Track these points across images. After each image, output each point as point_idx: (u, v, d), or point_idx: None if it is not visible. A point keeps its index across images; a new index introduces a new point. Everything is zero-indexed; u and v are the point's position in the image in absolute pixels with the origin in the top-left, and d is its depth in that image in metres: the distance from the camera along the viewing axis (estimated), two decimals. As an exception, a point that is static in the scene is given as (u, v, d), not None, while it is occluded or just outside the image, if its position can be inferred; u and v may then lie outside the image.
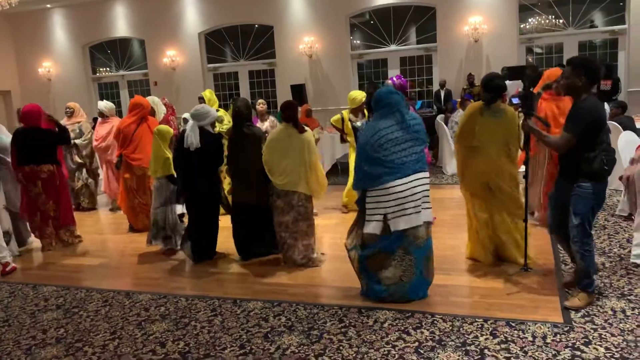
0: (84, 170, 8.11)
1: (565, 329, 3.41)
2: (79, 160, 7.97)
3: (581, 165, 3.56)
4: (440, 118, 10.34)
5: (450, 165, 8.97)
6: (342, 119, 6.83)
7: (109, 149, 7.64)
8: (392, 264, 3.94)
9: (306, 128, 5.10)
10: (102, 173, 8.24)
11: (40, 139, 5.97)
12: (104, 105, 7.96)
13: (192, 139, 5.07)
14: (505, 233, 4.53)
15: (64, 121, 7.96)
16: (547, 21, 12.54)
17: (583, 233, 3.63)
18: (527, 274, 4.34)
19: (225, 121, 7.04)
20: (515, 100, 4.15)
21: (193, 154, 5.11)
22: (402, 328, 3.60)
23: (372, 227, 3.91)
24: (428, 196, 3.95)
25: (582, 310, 3.64)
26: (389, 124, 3.90)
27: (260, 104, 7.40)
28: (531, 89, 4.46)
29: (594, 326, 3.42)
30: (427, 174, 3.98)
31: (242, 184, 5.15)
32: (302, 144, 4.94)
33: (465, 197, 4.74)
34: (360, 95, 6.84)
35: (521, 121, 4.02)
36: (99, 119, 8.05)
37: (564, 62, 9.54)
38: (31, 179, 5.95)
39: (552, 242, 5.10)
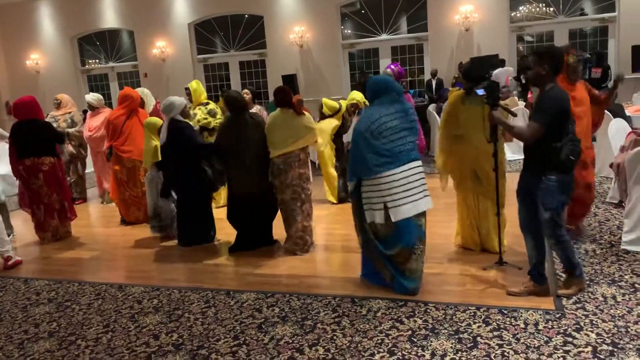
0: (78, 163, 8.05)
1: (557, 315, 3.44)
2: (73, 151, 7.89)
3: (547, 157, 3.47)
4: (432, 107, 10.35)
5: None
6: (339, 109, 6.73)
7: (104, 139, 7.56)
8: (412, 257, 3.91)
9: (305, 113, 5.16)
10: (92, 165, 8.19)
11: (40, 131, 5.95)
12: (92, 97, 7.91)
13: (162, 134, 5.32)
14: (489, 222, 4.53)
15: (52, 112, 7.89)
16: (538, 9, 12.55)
17: (554, 226, 3.56)
18: (520, 258, 4.36)
19: (219, 115, 6.93)
20: (480, 92, 4.04)
21: (167, 147, 5.30)
22: (396, 317, 3.61)
23: (377, 216, 3.89)
24: (425, 184, 3.95)
25: (574, 297, 3.67)
26: (387, 112, 3.88)
27: (245, 93, 7.32)
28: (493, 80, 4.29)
29: (585, 312, 3.45)
30: (420, 163, 3.98)
31: (240, 174, 5.10)
32: (302, 125, 5.01)
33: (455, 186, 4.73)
34: (361, 98, 6.72)
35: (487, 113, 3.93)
36: (89, 112, 7.98)
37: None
38: (32, 171, 5.94)
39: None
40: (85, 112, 9.97)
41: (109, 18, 15.27)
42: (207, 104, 6.97)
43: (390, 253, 3.94)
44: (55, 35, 15.84)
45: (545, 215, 3.55)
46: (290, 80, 12.92)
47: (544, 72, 3.51)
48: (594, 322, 3.33)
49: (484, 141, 4.22)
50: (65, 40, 15.81)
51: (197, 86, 7.13)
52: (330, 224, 5.80)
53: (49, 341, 3.73)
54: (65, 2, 15.40)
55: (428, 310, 3.66)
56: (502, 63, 11.41)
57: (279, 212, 5.21)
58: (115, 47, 15.93)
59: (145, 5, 14.64)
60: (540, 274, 3.74)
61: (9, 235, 6.19)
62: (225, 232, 5.56)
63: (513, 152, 8.74)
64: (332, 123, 6.66)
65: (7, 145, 6.27)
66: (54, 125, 7.12)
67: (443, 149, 4.66)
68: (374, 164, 3.80)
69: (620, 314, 3.40)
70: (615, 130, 6.30)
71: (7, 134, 6.44)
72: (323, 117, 6.80)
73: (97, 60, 16.32)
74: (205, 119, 6.75)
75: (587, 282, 3.85)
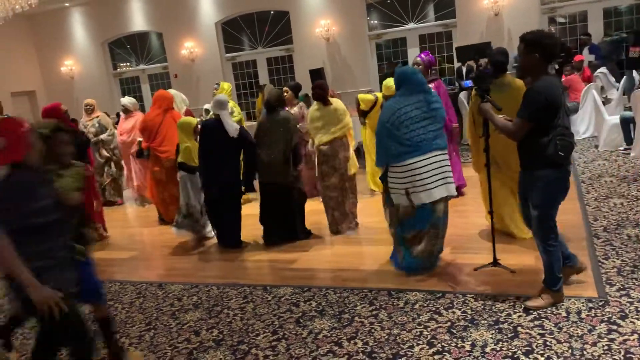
0: (112, 165, 8.23)
1: (600, 303, 3.36)
2: (107, 154, 8.08)
3: (535, 152, 3.26)
4: (462, 95, 10.18)
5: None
6: (376, 101, 6.69)
7: (134, 143, 7.73)
8: (424, 239, 4.13)
9: (332, 100, 5.62)
10: (125, 168, 8.35)
11: None
12: (128, 100, 8.09)
13: (229, 127, 5.29)
14: (509, 208, 4.50)
15: (84, 118, 8.09)
16: (570, -11, 12.18)
17: (542, 226, 3.34)
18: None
19: (235, 113, 7.13)
20: (468, 84, 3.90)
21: (216, 143, 5.27)
22: (434, 309, 3.59)
23: (401, 200, 4.08)
24: (448, 171, 4.04)
25: (618, 284, 3.57)
26: (408, 102, 4.00)
27: (285, 92, 7.41)
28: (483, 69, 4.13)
29: (630, 299, 3.36)
30: (445, 151, 4.06)
31: (268, 165, 5.33)
32: (334, 111, 5.48)
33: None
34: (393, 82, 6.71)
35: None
36: (122, 115, 8.16)
37: (589, 32, 9.23)
38: None
39: (582, 215, 5.01)
40: (118, 115, 10.21)
41: (138, 21, 15.52)
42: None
43: (406, 236, 4.16)
44: (87, 41, 16.19)
45: (534, 213, 3.35)
46: (318, 75, 12.89)
47: (535, 61, 3.26)
48: (639, 309, 3.23)
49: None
50: (97, 45, 16.15)
51: (227, 87, 7.42)
52: (364, 217, 5.78)
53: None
54: (95, 7, 15.72)
55: (467, 301, 3.62)
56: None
57: (308, 206, 5.57)
58: (145, 49, 16.19)
59: (173, 7, 14.82)
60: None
61: None
62: (255, 229, 5.59)
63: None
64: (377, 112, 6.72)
65: None
66: (84, 131, 7.29)
67: (476, 147, 4.60)
68: (396, 153, 3.99)
69: (667, 300, 3.30)
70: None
71: None
72: (362, 113, 6.81)
73: (128, 64, 16.62)
74: None
75: (631, 269, 3.74)
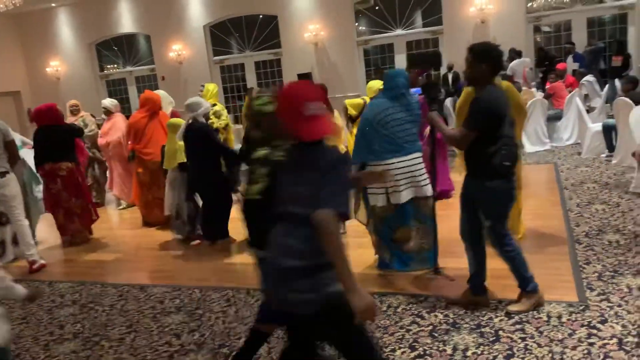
0: (95, 166, 8.15)
1: (581, 307, 3.39)
2: (89, 154, 7.99)
3: (482, 162, 3.29)
4: (448, 101, 10.25)
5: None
6: (365, 105, 6.72)
7: (109, 145, 7.63)
8: (412, 235, 4.16)
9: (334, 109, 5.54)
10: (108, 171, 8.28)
11: (57, 136, 6.05)
12: (110, 102, 8.01)
13: (179, 132, 5.41)
14: None
15: (69, 119, 8.01)
16: (555, -2, 12.35)
17: (497, 235, 3.38)
18: (541, 251, 4.30)
19: (223, 116, 7.11)
20: (417, 91, 3.94)
21: (187, 145, 5.38)
22: (416, 312, 3.60)
23: (379, 200, 4.09)
24: (424, 173, 4.09)
25: (598, 289, 3.61)
26: (394, 104, 4.02)
27: None
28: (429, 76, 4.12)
29: (609, 304, 3.39)
30: (421, 154, 4.10)
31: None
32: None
33: None
34: (377, 84, 6.75)
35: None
36: (104, 117, 8.10)
37: (572, 40, 9.34)
38: (51, 176, 6.06)
39: (564, 221, 5.06)
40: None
41: (126, 23, 15.45)
42: (214, 105, 7.11)
43: (393, 235, 4.17)
44: (74, 42, 16.08)
45: (486, 223, 3.39)
46: (306, 79, 12.93)
47: (482, 72, 3.29)
48: (619, 313, 3.27)
49: None
50: (83, 47, 16.04)
51: (212, 89, 7.32)
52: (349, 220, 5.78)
53: (73, 342, 3.79)
54: (83, 8, 15.62)
55: (449, 305, 3.63)
56: (519, 55, 11.27)
57: None
58: (133, 51, 16.11)
59: (161, 9, 14.77)
60: (478, 285, 3.59)
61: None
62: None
63: (532, 144, 8.63)
64: None
65: (32, 151, 6.42)
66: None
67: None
68: (380, 151, 3.99)
69: (646, 305, 3.34)
70: (637, 119, 6.18)
71: (31, 141, 6.57)
72: (350, 119, 6.82)
73: (115, 65, 16.52)
74: (209, 119, 6.85)
75: (611, 274, 3.78)
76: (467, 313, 3.49)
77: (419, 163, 4.07)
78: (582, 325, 3.18)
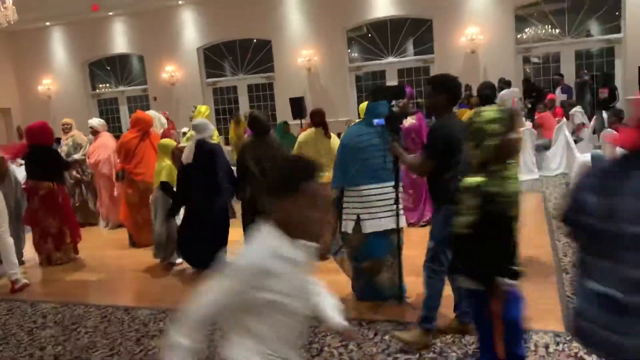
0: (82, 187, 8.07)
1: (568, 337, 3.38)
2: (77, 176, 7.93)
3: (438, 188, 3.37)
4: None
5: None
6: None
7: (98, 164, 7.60)
8: (384, 268, 4.12)
9: (331, 134, 5.53)
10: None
11: (43, 156, 6.04)
12: (97, 122, 8.02)
13: (186, 153, 5.33)
14: None
15: (63, 138, 7.98)
16: (544, 31, 12.62)
17: (433, 259, 3.37)
18: (528, 280, 4.28)
19: (214, 137, 7.12)
20: (379, 122, 3.97)
21: (191, 166, 5.28)
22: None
23: (349, 226, 4.06)
24: (399, 203, 4.02)
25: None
26: (369, 131, 4.05)
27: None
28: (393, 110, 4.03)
29: (596, 335, 3.38)
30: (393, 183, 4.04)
31: (263, 192, 5.11)
32: (330, 147, 5.29)
33: None
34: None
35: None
36: (91, 137, 8.08)
37: (561, 72, 9.52)
38: (32, 194, 6.04)
39: (552, 250, 5.07)
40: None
41: (120, 43, 15.53)
42: None
43: (362, 266, 4.12)
44: (67, 61, 16.11)
45: (429, 244, 3.40)
46: (298, 103, 13.00)
47: (441, 102, 3.39)
48: (605, 344, 3.26)
49: None
50: (76, 66, 16.07)
51: (204, 110, 7.38)
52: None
53: (54, 365, 3.71)
54: (77, 28, 15.69)
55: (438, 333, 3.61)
56: (508, 85, 11.43)
57: None
58: (126, 71, 16.16)
59: (155, 30, 14.89)
60: (465, 312, 3.46)
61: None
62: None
63: (521, 173, 8.70)
64: None
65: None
66: (58, 149, 7.21)
67: None
68: (356, 175, 4.00)
69: (632, 337, 3.33)
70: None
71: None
72: None
73: (108, 85, 16.55)
74: None
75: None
76: (454, 342, 3.47)
77: (392, 192, 3.97)
78: (569, 356, 3.17)
